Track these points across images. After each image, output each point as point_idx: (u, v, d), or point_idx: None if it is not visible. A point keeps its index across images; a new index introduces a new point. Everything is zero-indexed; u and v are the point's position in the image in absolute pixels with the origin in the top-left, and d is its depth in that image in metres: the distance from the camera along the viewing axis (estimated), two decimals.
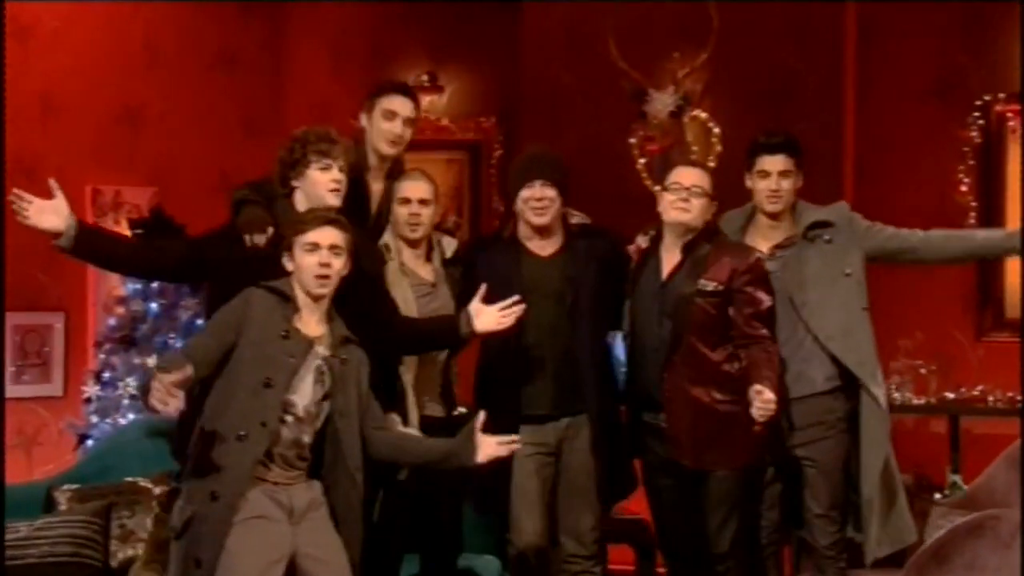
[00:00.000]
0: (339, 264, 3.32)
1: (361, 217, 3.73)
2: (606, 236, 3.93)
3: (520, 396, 3.78)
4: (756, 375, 3.65)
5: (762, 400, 3.57)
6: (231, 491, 3.19)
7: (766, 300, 3.76)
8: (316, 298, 3.33)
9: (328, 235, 3.31)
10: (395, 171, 3.91)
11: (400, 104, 3.82)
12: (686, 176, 3.81)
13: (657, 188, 5.83)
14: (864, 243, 3.93)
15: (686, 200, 3.76)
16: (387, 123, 3.80)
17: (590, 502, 3.86)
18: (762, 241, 3.93)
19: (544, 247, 3.85)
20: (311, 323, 3.33)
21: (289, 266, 3.34)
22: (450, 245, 3.93)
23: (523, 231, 3.85)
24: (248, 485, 3.20)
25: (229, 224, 3.57)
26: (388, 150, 3.83)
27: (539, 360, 3.79)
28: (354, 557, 3.33)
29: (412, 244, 3.80)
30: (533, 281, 3.79)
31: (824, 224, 3.92)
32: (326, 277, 3.30)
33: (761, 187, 3.90)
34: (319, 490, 3.33)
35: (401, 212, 3.78)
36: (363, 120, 3.84)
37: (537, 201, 3.79)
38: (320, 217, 3.34)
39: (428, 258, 3.85)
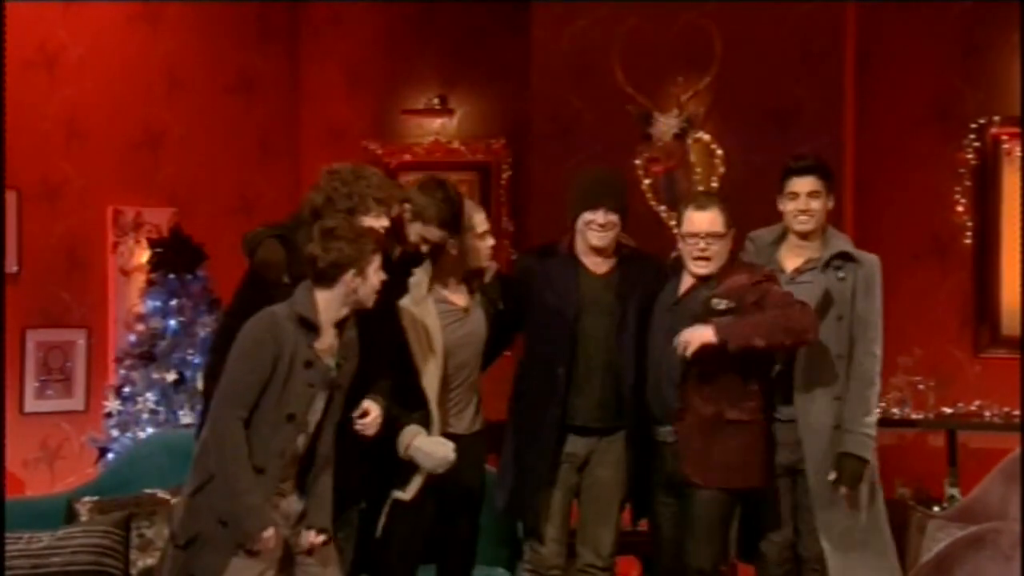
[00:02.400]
0: None
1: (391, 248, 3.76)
2: (653, 261, 3.99)
3: (564, 405, 3.85)
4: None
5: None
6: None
7: (784, 292, 3.77)
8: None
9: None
10: None
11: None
12: (699, 222, 3.78)
13: (662, 208, 6.01)
14: (854, 308, 3.90)
15: (704, 249, 3.77)
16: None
17: (612, 516, 3.93)
18: (790, 260, 3.97)
19: (600, 265, 3.92)
20: (327, 339, 3.35)
21: (352, 285, 3.29)
22: (489, 270, 3.96)
23: (580, 247, 3.92)
24: (265, 521, 3.23)
25: (248, 273, 3.62)
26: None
27: (585, 372, 3.86)
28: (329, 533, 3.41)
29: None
30: (588, 296, 3.87)
31: (847, 257, 3.92)
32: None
33: (790, 208, 3.93)
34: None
35: (480, 246, 3.82)
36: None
37: (600, 226, 3.85)
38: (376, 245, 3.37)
39: (464, 281, 3.88)
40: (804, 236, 3.94)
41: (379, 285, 3.34)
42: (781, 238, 4.01)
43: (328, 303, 3.31)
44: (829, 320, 3.88)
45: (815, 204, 3.92)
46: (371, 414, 3.53)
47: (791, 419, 3.92)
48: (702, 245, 3.77)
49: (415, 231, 3.71)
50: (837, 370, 3.90)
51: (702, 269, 3.79)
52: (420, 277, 3.84)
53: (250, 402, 3.23)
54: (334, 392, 3.38)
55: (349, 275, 3.30)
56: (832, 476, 3.87)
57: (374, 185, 3.54)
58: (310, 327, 3.30)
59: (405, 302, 3.79)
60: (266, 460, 3.24)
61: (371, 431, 3.53)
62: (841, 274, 3.91)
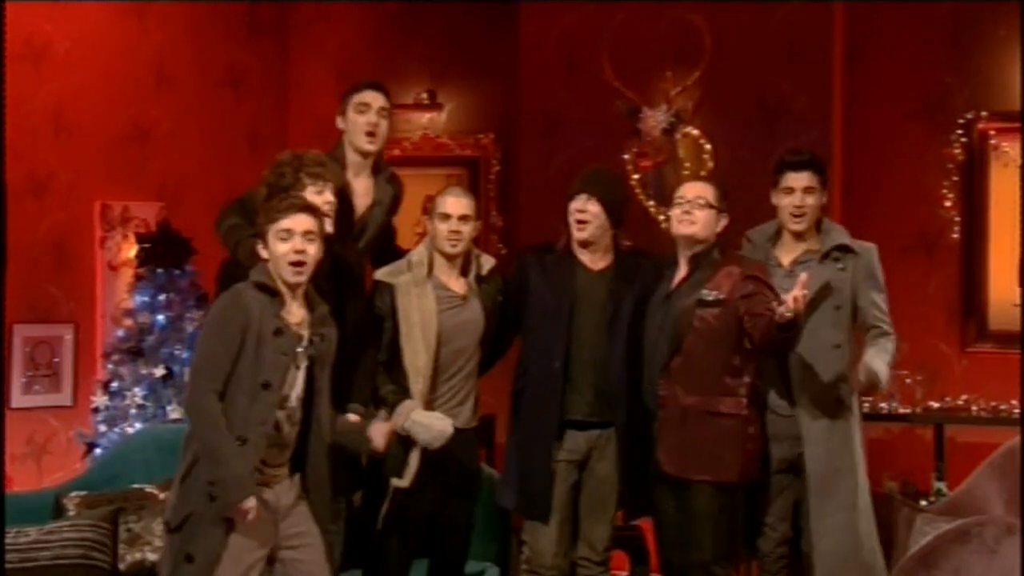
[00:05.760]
0: (313, 250, 3.34)
1: (347, 227, 3.80)
2: (651, 260, 4.02)
3: (562, 400, 3.88)
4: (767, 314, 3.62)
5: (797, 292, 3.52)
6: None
7: (773, 297, 3.75)
8: (293, 286, 3.35)
9: (301, 222, 3.32)
10: (377, 168, 3.98)
11: (371, 96, 3.90)
12: (689, 189, 3.89)
13: (651, 203, 6.02)
14: (859, 296, 3.95)
15: (688, 212, 3.82)
16: (361, 116, 3.88)
17: (608, 511, 3.96)
18: (785, 255, 3.99)
19: (595, 261, 3.95)
20: (294, 309, 3.37)
21: (264, 254, 3.35)
22: (487, 262, 3.99)
23: (575, 243, 3.95)
24: (248, 491, 3.25)
25: (227, 262, 3.67)
26: (366, 144, 3.89)
27: (580, 367, 3.88)
28: (323, 524, 3.44)
29: (449, 258, 3.87)
30: (583, 292, 3.90)
31: (845, 249, 3.96)
32: (301, 264, 3.31)
33: (785, 203, 3.95)
34: (299, 484, 3.41)
35: (441, 228, 3.83)
36: (339, 123, 3.91)
37: (580, 213, 3.88)
38: (293, 204, 3.35)
39: (463, 272, 3.91)
40: (798, 233, 3.97)
41: (291, 254, 3.31)
42: (777, 234, 4.03)
43: (273, 270, 3.35)
44: (827, 309, 3.91)
45: (810, 200, 3.95)
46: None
47: (790, 414, 3.93)
48: (687, 208, 3.84)
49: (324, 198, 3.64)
50: (835, 359, 3.92)
51: (684, 228, 3.84)
52: (421, 258, 3.86)
53: (222, 375, 3.24)
54: (317, 367, 3.37)
55: (260, 244, 3.36)
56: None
57: (308, 162, 3.57)
58: (271, 293, 3.32)
59: (405, 280, 3.82)
60: (247, 429, 3.25)
61: None
62: (840, 265, 3.94)
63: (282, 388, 3.32)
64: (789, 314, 3.55)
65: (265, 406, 3.28)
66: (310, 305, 3.41)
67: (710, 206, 3.84)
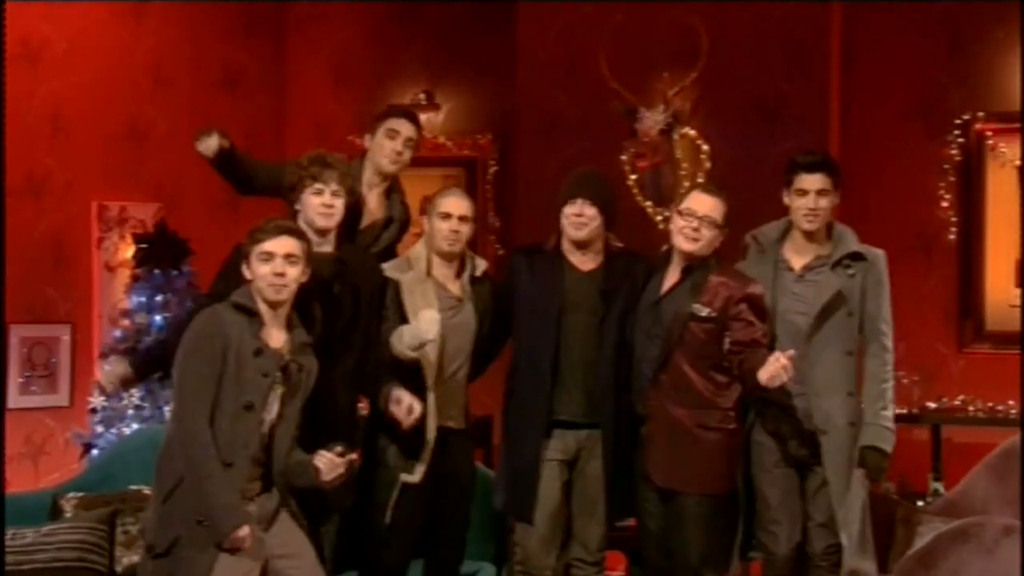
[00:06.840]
0: (295, 272, 3.34)
1: (351, 231, 3.87)
2: (642, 261, 4.01)
3: (550, 401, 3.90)
4: (759, 357, 3.62)
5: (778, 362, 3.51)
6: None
7: (760, 328, 3.78)
8: (274, 305, 3.34)
9: (283, 244, 3.33)
10: (391, 190, 4.09)
11: (401, 125, 4.05)
12: (701, 203, 3.81)
13: (648, 204, 6.03)
14: (867, 303, 3.93)
15: (696, 229, 3.78)
16: (388, 142, 4.02)
17: (600, 513, 3.97)
18: (796, 257, 3.96)
19: (585, 262, 3.96)
20: (274, 333, 3.37)
21: (248, 275, 3.36)
22: (480, 264, 4.02)
23: (566, 245, 3.97)
24: (241, 518, 3.23)
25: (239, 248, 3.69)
26: (388, 167, 4.04)
27: (569, 368, 3.90)
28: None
29: (446, 258, 3.90)
30: (572, 293, 3.92)
31: (856, 256, 3.94)
32: (282, 285, 3.33)
33: (799, 205, 3.91)
34: (278, 496, 3.39)
35: (441, 227, 3.87)
36: (366, 141, 4.07)
37: (577, 217, 3.91)
38: (276, 227, 3.36)
39: (458, 274, 3.94)
40: (810, 234, 3.95)
41: (270, 276, 3.32)
42: (785, 234, 4.01)
43: (254, 291, 3.36)
44: (840, 317, 3.90)
45: (824, 202, 3.92)
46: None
47: (803, 414, 3.91)
48: (695, 224, 3.79)
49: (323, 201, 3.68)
50: (849, 367, 3.91)
51: (688, 245, 3.80)
52: (420, 255, 3.90)
53: (210, 397, 3.23)
54: (287, 394, 3.36)
55: (244, 264, 3.37)
56: (859, 472, 3.90)
57: (306, 163, 3.65)
58: (250, 313, 3.32)
59: (409, 278, 3.85)
60: (232, 454, 3.25)
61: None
62: (851, 271, 3.92)
63: (263, 409, 3.32)
64: (776, 383, 3.55)
65: (248, 428, 3.28)
66: (291, 330, 3.40)
67: (717, 226, 3.80)
